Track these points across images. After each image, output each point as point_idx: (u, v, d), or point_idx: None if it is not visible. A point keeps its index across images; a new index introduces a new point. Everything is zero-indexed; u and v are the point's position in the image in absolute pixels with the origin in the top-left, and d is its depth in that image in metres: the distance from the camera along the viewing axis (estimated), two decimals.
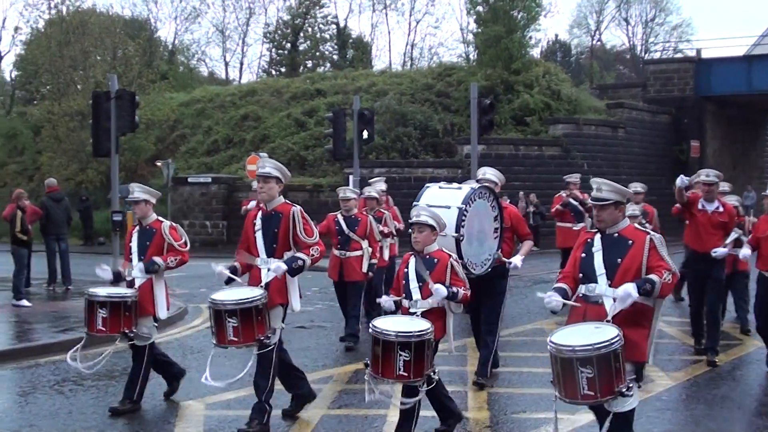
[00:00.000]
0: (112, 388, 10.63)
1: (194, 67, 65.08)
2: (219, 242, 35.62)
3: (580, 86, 46.34)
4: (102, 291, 9.70)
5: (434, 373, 7.81)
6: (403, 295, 8.29)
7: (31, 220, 18.57)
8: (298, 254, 8.76)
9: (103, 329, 9.56)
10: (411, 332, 7.56)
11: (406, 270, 8.34)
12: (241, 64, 67.04)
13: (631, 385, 6.51)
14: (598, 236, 7.17)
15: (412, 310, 8.12)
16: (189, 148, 41.72)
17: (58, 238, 20.15)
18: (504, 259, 10.64)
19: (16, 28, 56.33)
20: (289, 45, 61.73)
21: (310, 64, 62.01)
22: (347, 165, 31.03)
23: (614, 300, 6.72)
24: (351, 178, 27.35)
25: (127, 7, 70.43)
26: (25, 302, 17.62)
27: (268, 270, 8.80)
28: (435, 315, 8.05)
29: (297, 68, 59.29)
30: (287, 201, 9.07)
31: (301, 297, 9.13)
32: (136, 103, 18.95)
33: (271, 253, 8.87)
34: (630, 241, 6.95)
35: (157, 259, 9.73)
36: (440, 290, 7.95)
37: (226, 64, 66.81)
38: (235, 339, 8.57)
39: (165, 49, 61.26)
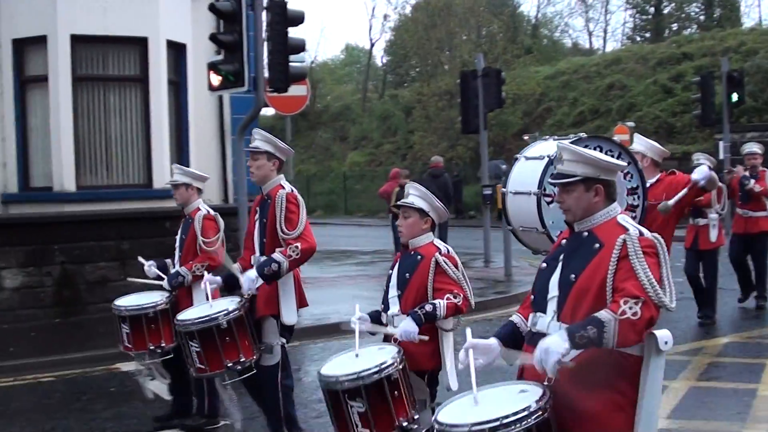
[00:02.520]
0: None
1: (558, 39, 65.13)
2: None
3: None
4: (125, 302, 8.29)
5: (412, 421, 5.36)
6: (382, 306, 6.15)
7: None
8: (274, 255, 6.99)
9: (130, 347, 8.17)
10: (358, 372, 5.24)
11: (390, 272, 6.22)
12: (605, 32, 66.34)
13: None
14: None
15: (390, 330, 5.88)
16: (555, 120, 41.94)
17: None
18: None
19: (385, 16, 59.37)
20: (652, 9, 60.13)
21: (675, 27, 60.08)
22: (717, 131, 29.94)
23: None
24: (721, 144, 26.34)
25: None
26: None
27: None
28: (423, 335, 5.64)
29: (662, 32, 57.55)
30: (283, 182, 7.29)
31: (304, 305, 7.43)
32: (501, 79, 19.43)
33: (262, 250, 7.26)
34: (597, 245, 4.28)
35: (183, 270, 8.13)
36: (406, 330, 5.61)
37: (590, 34, 66.25)
38: (202, 367, 7.06)
39: (528, 24, 61.74)
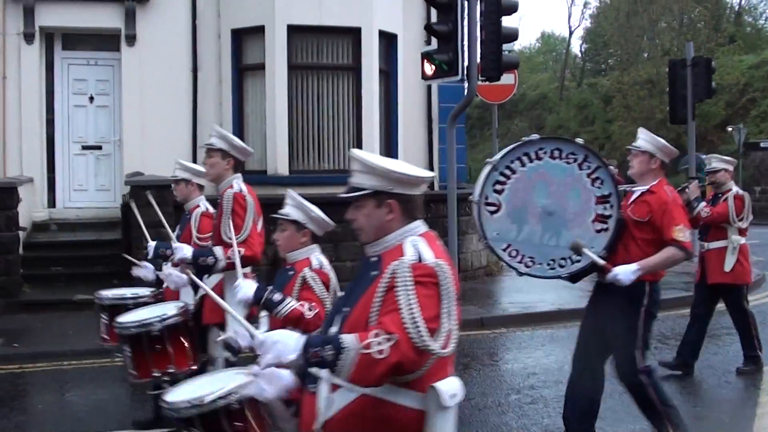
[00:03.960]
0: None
1: (762, 27, 62.79)
2: None
3: None
4: (109, 293, 7.91)
5: None
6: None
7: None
8: (215, 249, 6.59)
9: (107, 338, 7.70)
10: (191, 401, 4.47)
11: None
12: None
13: None
14: None
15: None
16: (760, 111, 40.62)
17: None
18: (602, 262, 6.47)
19: (585, 3, 58.64)
20: None
21: None
22: None
23: (333, 389, 3.57)
24: None
25: None
26: None
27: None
28: None
29: None
30: (235, 182, 6.78)
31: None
32: (712, 69, 18.97)
33: None
34: (375, 272, 3.63)
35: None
36: (245, 294, 5.27)
37: None
38: (134, 373, 6.62)
39: (732, 11, 59.78)
